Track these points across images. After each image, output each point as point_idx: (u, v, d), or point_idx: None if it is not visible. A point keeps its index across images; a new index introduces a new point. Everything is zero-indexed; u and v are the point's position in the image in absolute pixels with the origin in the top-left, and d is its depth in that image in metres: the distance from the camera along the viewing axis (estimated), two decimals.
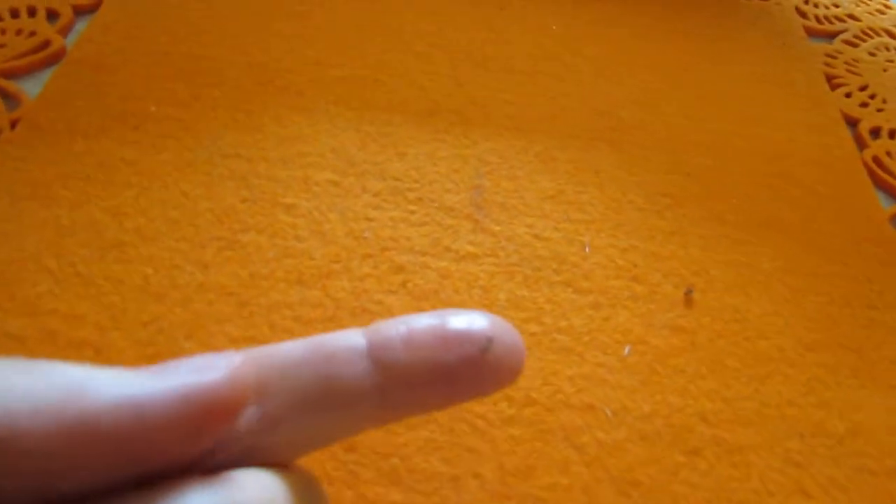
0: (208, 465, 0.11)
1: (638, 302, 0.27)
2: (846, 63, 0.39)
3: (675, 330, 0.26)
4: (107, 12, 0.33)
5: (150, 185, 0.27)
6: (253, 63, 0.32)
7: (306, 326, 0.24)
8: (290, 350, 0.13)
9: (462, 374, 0.13)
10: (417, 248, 0.27)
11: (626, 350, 0.25)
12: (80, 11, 0.34)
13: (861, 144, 0.34)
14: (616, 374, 0.25)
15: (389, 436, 0.22)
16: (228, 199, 0.27)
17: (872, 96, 0.37)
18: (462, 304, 0.26)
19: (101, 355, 0.23)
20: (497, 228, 0.28)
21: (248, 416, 0.12)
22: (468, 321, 0.13)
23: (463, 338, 0.13)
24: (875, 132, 0.35)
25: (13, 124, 0.29)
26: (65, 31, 0.32)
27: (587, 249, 0.28)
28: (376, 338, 0.13)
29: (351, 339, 0.13)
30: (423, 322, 0.13)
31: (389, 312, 0.25)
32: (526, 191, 0.29)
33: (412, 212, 0.28)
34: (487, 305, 0.26)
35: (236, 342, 0.24)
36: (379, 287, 0.26)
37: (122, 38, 0.32)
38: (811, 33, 0.41)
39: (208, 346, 0.24)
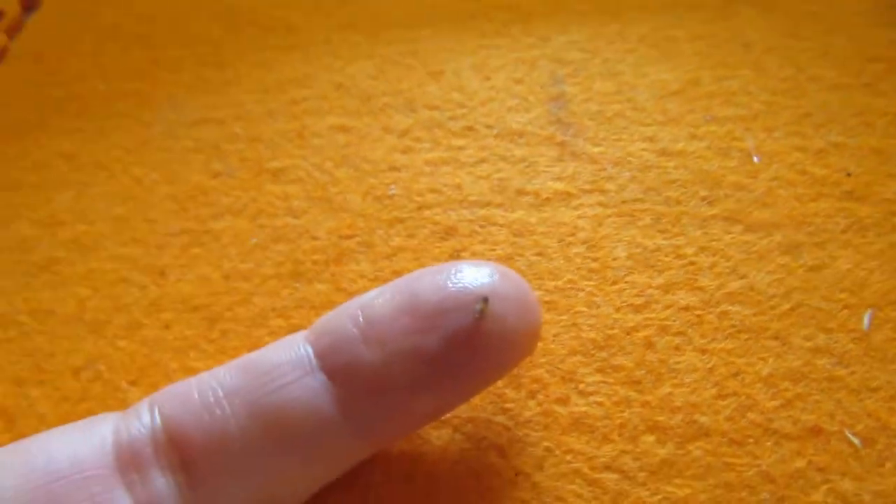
0: None
1: (867, 235, 0.15)
2: None
3: None
4: (49, 1, 0.27)
5: (91, 179, 0.19)
6: (220, 10, 0.24)
7: None
8: (208, 382, 0.10)
9: (454, 358, 0.09)
10: (473, 197, 0.17)
11: (867, 318, 0.14)
12: (29, 7, 0.27)
13: None
14: (856, 365, 0.13)
15: None
16: (195, 178, 0.19)
17: None
18: (557, 272, 0.15)
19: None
20: (597, 150, 0.17)
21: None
22: (445, 277, 0.10)
23: (443, 305, 0.09)
24: None
25: None
26: (12, 31, 0.26)
27: (756, 159, 0.17)
28: (324, 338, 0.10)
29: (291, 347, 0.10)
30: (383, 299, 0.10)
31: None
32: (634, 90, 0.19)
33: (460, 148, 0.18)
34: (599, 270, 0.15)
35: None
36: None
37: (66, 22, 0.25)
38: None
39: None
